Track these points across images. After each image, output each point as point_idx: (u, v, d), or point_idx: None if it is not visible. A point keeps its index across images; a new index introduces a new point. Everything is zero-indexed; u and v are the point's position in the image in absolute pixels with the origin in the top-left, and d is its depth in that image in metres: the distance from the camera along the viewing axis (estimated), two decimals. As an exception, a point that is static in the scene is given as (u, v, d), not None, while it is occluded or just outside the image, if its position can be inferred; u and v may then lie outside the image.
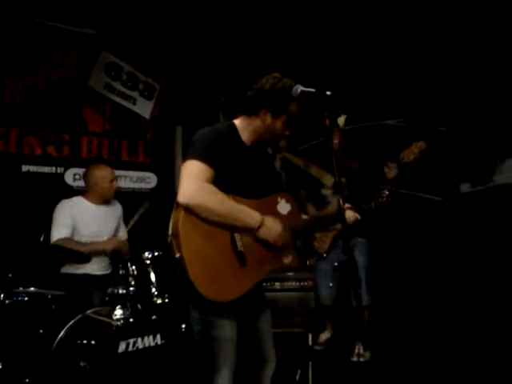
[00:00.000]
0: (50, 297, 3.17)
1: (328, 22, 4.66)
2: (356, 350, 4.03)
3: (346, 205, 2.51)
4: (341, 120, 2.25)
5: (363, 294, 3.61)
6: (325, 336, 4.18)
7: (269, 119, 2.30)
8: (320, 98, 2.20)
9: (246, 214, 2.18)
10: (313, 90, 2.24)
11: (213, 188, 2.11)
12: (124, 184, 4.88)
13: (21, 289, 3.06)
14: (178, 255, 2.07)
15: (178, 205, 2.09)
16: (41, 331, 3.08)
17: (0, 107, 4.37)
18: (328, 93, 2.18)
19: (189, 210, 2.07)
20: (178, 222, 2.07)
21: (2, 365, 2.84)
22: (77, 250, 3.27)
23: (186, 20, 4.82)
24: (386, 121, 5.05)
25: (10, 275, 2.88)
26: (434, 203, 4.76)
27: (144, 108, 5.12)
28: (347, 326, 4.22)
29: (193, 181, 2.09)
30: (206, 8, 4.65)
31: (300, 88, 2.26)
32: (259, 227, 2.18)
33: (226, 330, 2.23)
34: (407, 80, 4.74)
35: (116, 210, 3.96)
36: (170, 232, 2.13)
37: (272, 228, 2.22)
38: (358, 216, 2.48)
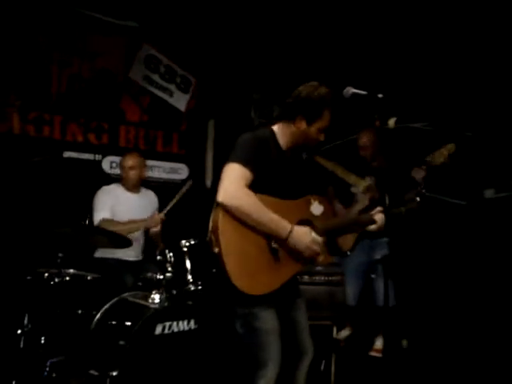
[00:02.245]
0: (88, 278, 3.34)
1: (359, 24, 4.73)
2: (375, 346, 4.13)
3: (378, 208, 2.61)
4: (391, 122, 2.32)
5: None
6: (345, 333, 4.25)
7: (303, 125, 2.41)
8: (371, 101, 2.31)
9: (276, 224, 2.27)
10: (364, 92, 2.34)
11: (251, 193, 2.22)
12: (157, 174, 5.03)
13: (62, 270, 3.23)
14: (216, 250, 2.20)
15: (218, 203, 2.22)
16: (79, 311, 3.24)
17: (47, 94, 4.54)
18: (380, 95, 2.28)
19: (226, 208, 2.20)
20: (217, 219, 2.20)
21: (45, 340, 3.02)
22: (119, 230, 3.42)
23: (224, 17, 4.93)
24: (411, 124, 5.08)
25: (60, 255, 3.03)
26: (457, 207, 4.80)
27: (180, 101, 5.24)
28: (368, 323, 4.32)
29: (233, 183, 2.21)
30: (242, 6, 4.76)
31: (351, 90, 2.36)
32: (287, 237, 2.28)
33: (268, 321, 2.32)
34: (434, 84, 4.78)
35: (150, 199, 4.11)
36: (209, 228, 2.26)
37: (300, 239, 2.30)
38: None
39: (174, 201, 3.88)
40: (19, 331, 2.99)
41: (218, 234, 2.19)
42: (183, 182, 5.23)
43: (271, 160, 2.37)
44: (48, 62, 4.55)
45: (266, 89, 5.55)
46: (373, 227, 2.57)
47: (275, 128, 2.48)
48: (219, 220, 2.20)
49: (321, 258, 2.46)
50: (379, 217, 2.55)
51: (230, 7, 4.80)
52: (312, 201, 2.48)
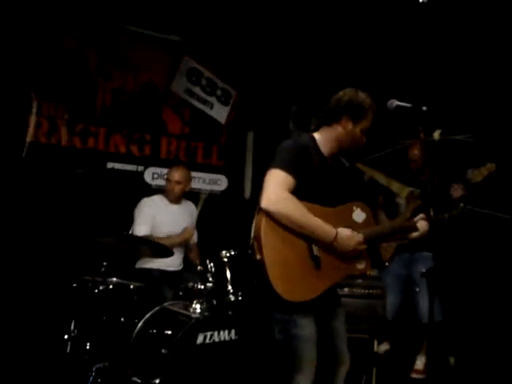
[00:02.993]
0: (131, 287, 3.39)
1: (400, 36, 4.72)
2: (416, 366, 4.04)
3: (421, 215, 2.61)
4: (436, 134, 2.32)
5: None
6: (384, 347, 4.19)
7: (350, 125, 2.43)
8: (415, 113, 2.31)
9: (322, 228, 2.29)
10: (408, 104, 2.35)
11: (294, 199, 2.24)
12: (197, 185, 5.08)
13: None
14: (258, 257, 2.22)
15: (260, 209, 2.24)
16: (122, 319, 3.29)
17: (92, 107, 4.69)
18: (424, 108, 2.28)
19: (269, 214, 2.22)
20: (260, 225, 2.23)
21: (90, 345, 3.09)
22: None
23: (263, 31, 4.99)
24: (454, 136, 5.01)
25: (104, 264, 3.11)
26: (503, 221, 4.68)
27: (220, 113, 5.31)
28: (408, 339, 4.24)
29: (276, 189, 2.23)
30: (282, 21, 4.80)
31: (395, 102, 2.37)
32: (332, 242, 2.30)
33: (306, 328, 2.34)
34: (478, 96, 4.71)
35: (190, 209, 4.17)
36: (252, 235, 2.29)
37: (345, 242, 2.32)
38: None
39: (197, 212, 4.00)
40: (66, 336, 3.08)
41: (260, 241, 2.21)
42: (222, 192, 5.31)
43: (313, 166, 2.39)
44: (94, 76, 4.70)
45: (303, 101, 5.58)
46: (415, 234, 2.56)
47: (316, 135, 2.50)
48: (262, 226, 2.22)
49: (362, 266, 2.47)
50: (421, 224, 2.55)
51: (269, 21, 4.85)
52: (354, 208, 2.48)
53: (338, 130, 2.45)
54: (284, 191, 2.23)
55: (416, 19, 4.46)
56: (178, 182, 3.99)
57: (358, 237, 2.37)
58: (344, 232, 2.33)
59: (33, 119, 4.42)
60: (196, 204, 4.15)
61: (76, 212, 4.29)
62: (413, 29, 4.59)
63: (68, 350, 3.06)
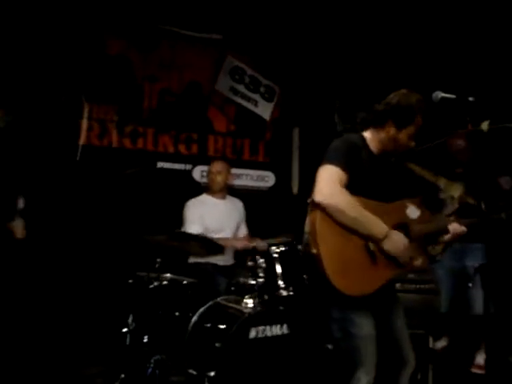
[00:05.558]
0: (185, 283, 3.48)
1: (444, 28, 4.63)
2: (476, 362, 3.96)
3: (451, 218, 2.58)
4: (484, 125, 2.24)
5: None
6: (441, 344, 4.10)
7: (392, 131, 2.40)
8: (462, 104, 2.28)
9: (374, 223, 2.28)
10: (453, 96, 2.32)
11: (347, 193, 2.25)
12: (245, 182, 5.16)
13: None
14: (314, 251, 2.22)
15: (314, 205, 2.25)
16: (177, 313, 3.38)
17: (139, 109, 4.82)
18: (470, 99, 2.25)
19: (323, 208, 2.23)
20: (315, 220, 2.24)
21: (148, 338, 3.19)
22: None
23: (306, 27, 5.00)
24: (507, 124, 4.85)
25: (158, 260, 3.20)
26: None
27: (265, 110, 5.35)
28: (466, 335, 4.14)
29: (329, 183, 2.24)
30: (325, 16, 4.80)
31: (440, 94, 2.34)
32: (383, 239, 2.28)
33: (364, 327, 2.33)
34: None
35: (236, 205, 4.24)
36: (307, 229, 2.29)
37: (396, 243, 2.30)
38: (464, 229, 2.51)
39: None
40: (125, 329, 3.19)
41: (315, 235, 2.22)
42: (270, 189, 5.35)
43: (363, 163, 2.39)
44: (139, 79, 4.82)
45: (348, 95, 5.55)
46: (447, 237, 2.52)
47: (366, 134, 2.50)
48: (317, 221, 2.23)
49: (419, 262, 2.45)
50: (453, 227, 2.50)
51: (312, 16, 4.85)
52: (408, 204, 2.46)
53: (381, 134, 2.44)
54: (337, 185, 2.24)
55: (457, 10, 4.37)
56: (219, 172, 4.08)
57: (405, 241, 2.34)
58: (395, 234, 2.31)
59: (85, 123, 4.59)
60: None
61: (129, 211, 4.43)
62: (454, 19, 4.49)
63: (127, 343, 3.16)
